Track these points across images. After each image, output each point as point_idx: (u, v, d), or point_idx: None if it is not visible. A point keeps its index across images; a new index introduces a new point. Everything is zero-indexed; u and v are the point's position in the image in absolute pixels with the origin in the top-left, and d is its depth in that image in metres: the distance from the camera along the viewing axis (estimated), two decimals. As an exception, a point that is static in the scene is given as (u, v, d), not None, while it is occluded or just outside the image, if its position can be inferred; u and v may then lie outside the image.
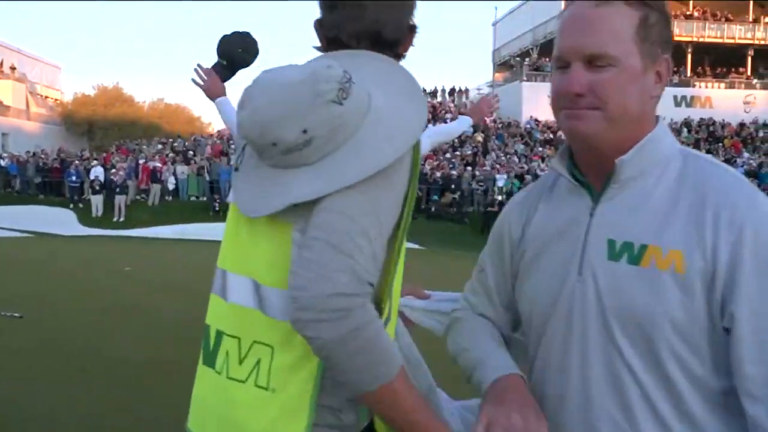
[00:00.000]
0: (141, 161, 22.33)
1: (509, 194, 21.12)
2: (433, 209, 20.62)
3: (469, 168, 23.39)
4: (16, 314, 5.60)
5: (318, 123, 1.03)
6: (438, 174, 21.96)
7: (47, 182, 22.57)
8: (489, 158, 25.76)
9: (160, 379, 4.49)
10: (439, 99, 36.57)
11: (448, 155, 25.15)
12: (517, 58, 36.58)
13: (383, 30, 1.18)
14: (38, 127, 38.84)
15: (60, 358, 4.88)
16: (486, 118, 33.57)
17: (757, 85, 34.53)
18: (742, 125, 31.54)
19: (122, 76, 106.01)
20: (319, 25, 1.22)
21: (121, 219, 20.20)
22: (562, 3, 33.85)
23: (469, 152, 26.28)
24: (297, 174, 1.07)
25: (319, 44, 1.23)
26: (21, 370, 4.56)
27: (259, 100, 1.05)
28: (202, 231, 19.55)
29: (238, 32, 2.86)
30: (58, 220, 19.77)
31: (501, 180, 21.30)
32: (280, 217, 1.08)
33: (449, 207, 20.81)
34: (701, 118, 32.14)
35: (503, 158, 25.51)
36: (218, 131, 31.99)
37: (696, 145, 28.90)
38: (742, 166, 25.36)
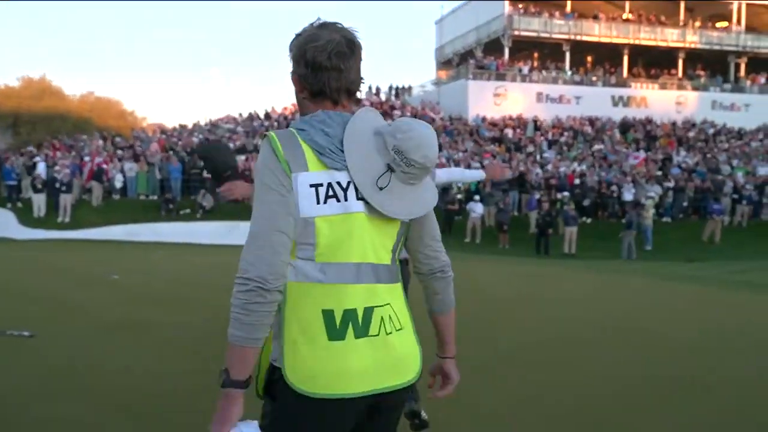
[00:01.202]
0: (86, 158, 21.18)
1: (468, 192, 21.27)
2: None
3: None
4: (26, 333, 5.09)
5: None
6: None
7: (-21, 180, 21.04)
8: (441, 155, 25.87)
9: (169, 389, 4.29)
10: (383, 97, 36.52)
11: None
12: (468, 59, 36.93)
13: (352, 87, 1.70)
14: (-42, 120, 36.35)
15: (79, 383, 4.47)
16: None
17: (688, 87, 36.15)
18: (674, 125, 32.97)
19: (49, 67, 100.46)
20: (304, 80, 1.67)
21: (67, 219, 19.10)
22: (506, 3, 34.65)
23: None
24: (421, 190, 1.71)
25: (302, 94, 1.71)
26: (35, 393, 4.14)
27: (433, 143, 1.66)
28: (155, 232, 18.79)
29: (202, 155, 3.33)
30: (-4, 221, 18.52)
31: (458, 178, 21.39)
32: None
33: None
34: (637, 118, 33.36)
35: (456, 155, 25.65)
36: (159, 126, 30.82)
37: (635, 144, 30.03)
38: (679, 166, 26.50)
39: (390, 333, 1.65)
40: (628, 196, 21.60)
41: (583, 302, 9.33)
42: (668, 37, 36.42)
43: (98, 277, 9.86)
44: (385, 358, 1.64)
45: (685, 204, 22.32)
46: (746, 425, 4.16)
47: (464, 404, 4.21)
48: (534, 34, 35.27)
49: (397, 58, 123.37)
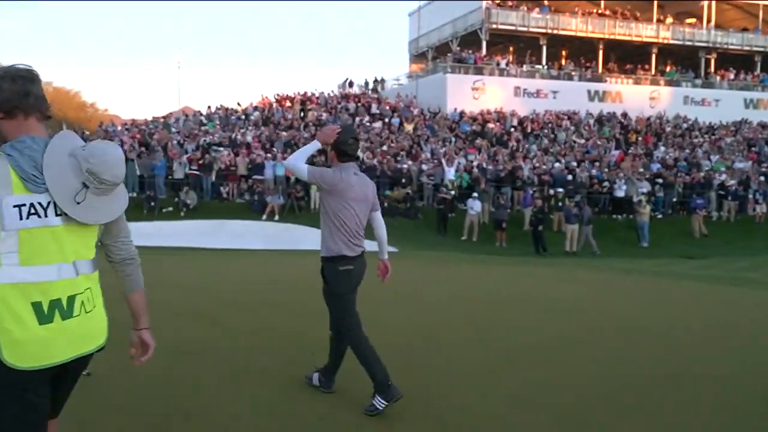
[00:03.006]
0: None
1: (460, 188, 20.83)
2: (386, 205, 19.88)
3: (411, 161, 22.88)
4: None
5: None
6: (386, 167, 21.21)
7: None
8: (426, 149, 25.38)
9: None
10: (357, 90, 35.89)
11: (384, 147, 24.48)
12: (445, 52, 36.47)
13: (42, 107, 2.16)
14: None
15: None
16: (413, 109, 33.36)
17: (661, 82, 36.50)
18: (648, 119, 33.22)
19: (3, 56, 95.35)
20: (23, 104, 2.08)
21: (42, 219, 17.87)
22: (483, -1, 34.28)
23: (407, 144, 25.78)
24: (113, 199, 2.19)
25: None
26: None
27: (121, 164, 2.15)
28: (137, 232, 17.68)
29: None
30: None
31: (450, 174, 20.93)
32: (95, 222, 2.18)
33: (401, 202, 20.17)
34: (612, 112, 33.47)
35: (441, 150, 25.15)
36: (132, 119, 29.51)
37: (615, 139, 30.07)
38: (663, 161, 26.55)
39: (89, 311, 2.16)
40: (619, 192, 21.50)
41: (586, 301, 9.21)
42: (642, 32, 36.68)
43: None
44: (85, 330, 2.15)
45: (674, 200, 22.38)
46: (741, 423, 4.20)
47: (463, 405, 4.24)
48: (512, 28, 35.07)
49: (366, 50, 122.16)
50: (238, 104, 30.72)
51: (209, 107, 30.77)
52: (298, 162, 3.97)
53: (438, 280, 11.37)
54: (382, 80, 38.47)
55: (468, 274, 12.69)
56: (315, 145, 4.05)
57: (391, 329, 6.18)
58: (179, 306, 7.44)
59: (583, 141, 29.02)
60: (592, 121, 32.28)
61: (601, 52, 36.46)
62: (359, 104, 31.82)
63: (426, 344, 5.89)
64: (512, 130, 29.76)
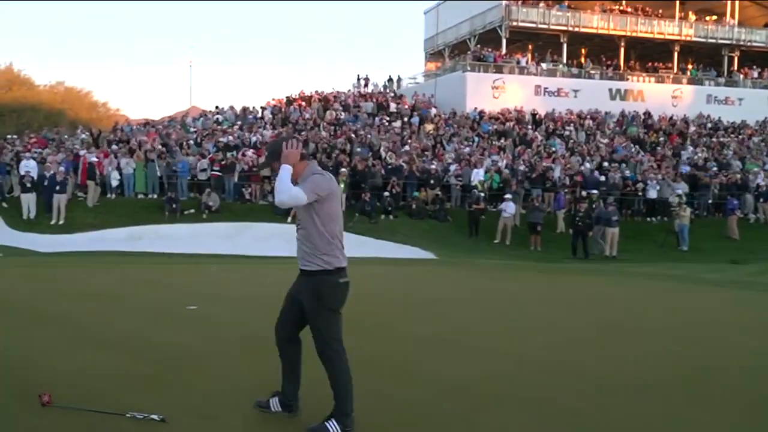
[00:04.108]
0: (81, 153, 19.40)
1: (490, 189, 20.20)
2: (414, 206, 19.26)
3: (436, 161, 22.26)
4: (155, 416, 3.77)
5: None
6: (415, 168, 20.58)
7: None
8: (449, 149, 24.72)
9: None
10: (371, 88, 35.28)
11: (407, 147, 23.86)
12: (465, 50, 35.80)
13: None
14: None
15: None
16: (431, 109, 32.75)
17: (684, 80, 35.76)
18: (671, 119, 32.49)
19: (15, 56, 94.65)
20: None
21: (61, 221, 17.34)
22: (501, -7, 33.59)
23: (430, 143, 25.15)
24: None
25: None
26: None
27: None
28: (158, 234, 17.20)
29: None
30: (-20, 224, 16.69)
31: (479, 175, 20.30)
32: None
33: (429, 204, 19.54)
34: (634, 111, 32.75)
35: (464, 149, 24.48)
36: (146, 119, 28.93)
37: (639, 139, 29.36)
38: (688, 161, 25.83)
39: None
40: (652, 194, 20.84)
41: (607, 302, 9.36)
42: (664, 29, 35.94)
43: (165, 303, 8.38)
44: None
45: (710, 201, 21.73)
46: (740, 424, 4.22)
47: (464, 407, 4.26)
48: (532, 25, 34.39)
49: (376, 48, 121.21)
50: (232, 108, 29.85)
51: (216, 107, 30.07)
52: (292, 191, 3.60)
53: (469, 287, 11.04)
54: (399, 79, 37.89)
55: (501, 281, 12.24)
56: (288, 169, 3.68)
57: (396, 335, 6.29)
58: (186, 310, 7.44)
59: (606, 141, 28.30)
60: (614, 121, 31.58)
61: (622, 50, 35.76)
62: (375, 102, 31.20)
63: (431, 348, 6.01)
64: (530, 129, 29.08)
